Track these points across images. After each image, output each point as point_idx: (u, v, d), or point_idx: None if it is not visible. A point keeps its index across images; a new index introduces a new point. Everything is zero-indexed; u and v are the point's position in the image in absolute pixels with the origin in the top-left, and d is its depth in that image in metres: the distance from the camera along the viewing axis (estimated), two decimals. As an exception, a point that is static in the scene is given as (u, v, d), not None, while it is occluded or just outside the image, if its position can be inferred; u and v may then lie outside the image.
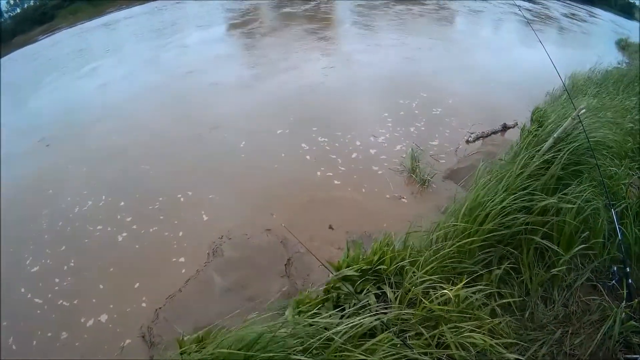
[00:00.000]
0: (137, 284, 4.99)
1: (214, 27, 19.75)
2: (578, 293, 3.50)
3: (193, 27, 20.14)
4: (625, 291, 3.23)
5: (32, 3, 34.85)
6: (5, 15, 34.14)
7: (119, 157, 7.83)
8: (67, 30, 26.01)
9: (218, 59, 14.13)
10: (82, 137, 9.15)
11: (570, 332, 3.23)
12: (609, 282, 3.45)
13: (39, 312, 4.82)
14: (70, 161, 8.01)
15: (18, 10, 34.69)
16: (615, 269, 3.42)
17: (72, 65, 16.11)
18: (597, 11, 36.39)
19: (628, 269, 3.29)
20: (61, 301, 4.91)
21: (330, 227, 5.23)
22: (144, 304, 4.72)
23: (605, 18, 31.81)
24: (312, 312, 3.25)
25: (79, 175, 7.41)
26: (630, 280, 3.24)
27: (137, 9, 28.85)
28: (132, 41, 18.99)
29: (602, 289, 3.47)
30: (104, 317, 4.64)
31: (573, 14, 29.55)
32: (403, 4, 23.94)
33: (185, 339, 3.24)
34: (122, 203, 6.47)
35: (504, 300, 3.35)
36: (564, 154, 4.35)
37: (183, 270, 5.07)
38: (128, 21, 25.54)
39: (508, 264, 3.60)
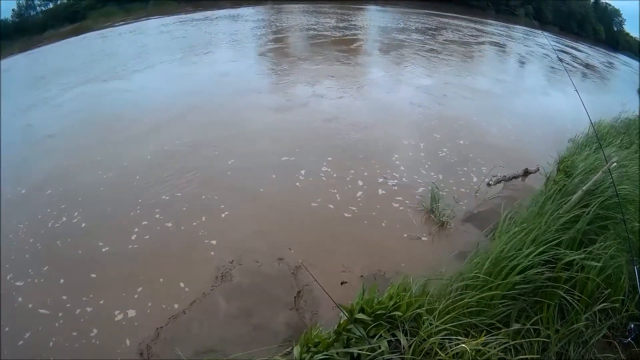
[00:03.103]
0: (140, 299, 4.89)
1: (244, 47, 19.81)
2: (593, 349, 3.43)
3: (223, 45, 20.22)
4: None
5: (65, 0, 35.54)
6: (38, 8, 34.77)
7: (132, 166, 7.90)
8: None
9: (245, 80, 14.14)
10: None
11: (584, 390, 3.14)
12: (625, 340, 3.38)
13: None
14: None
15: (51, 5, 35.35)
16: (632, 326, 3.36)
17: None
18: (626, 59, 37.04)
19: None
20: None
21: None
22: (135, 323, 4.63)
23: (634, 66, 32.28)
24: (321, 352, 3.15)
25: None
26: None
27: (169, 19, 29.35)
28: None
29: (617, 346, 3.41)
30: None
31: (610, 63, 29.97)
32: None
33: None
34: (137, 214, 6.44)
35: (521, 357, 3.21)
36: (592, 208, 4.26)
37: (187, 290, 4.96)
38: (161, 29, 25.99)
39: (527, 319, 3.50)
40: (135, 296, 4.90)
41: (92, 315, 4.69)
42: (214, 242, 5.78)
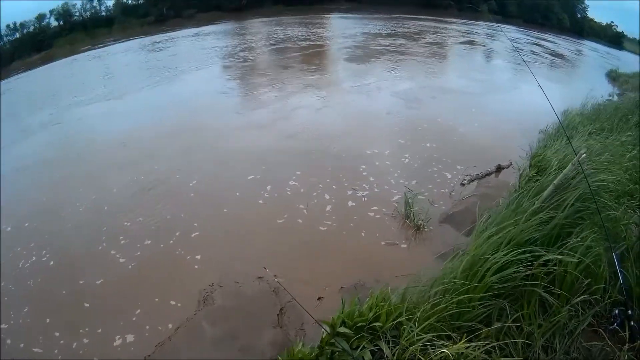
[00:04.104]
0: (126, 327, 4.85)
1: (214, 66, 19.77)
2: (579, 339, 3.41)
3: (186, 66, 20.05)
4: (627, 333, 3.19)
5: (31, 29, 35.31)
6: (5, 39, 34.49)
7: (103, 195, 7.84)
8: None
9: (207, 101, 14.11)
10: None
11: (572, 380, 3.12)
12: (611, 326, 3.35)
13: None
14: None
15: (17, 35, 35.07)
16: (617, 312, 3.34)
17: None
18: (592, 44, 37.79)
19: (630, 311, 3.25)
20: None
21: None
22: (132, 348, 4.59)
23: (601, 51, 32.98)
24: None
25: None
26: (632, 322, 3.20)
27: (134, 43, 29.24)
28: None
29: (603, 334, 3.39)
30: None
31: (579, 50, 30.55)
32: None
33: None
34: (103, 247, 6.35)
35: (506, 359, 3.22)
36: (567, 203, 4.28)
37: (173, 318, 4.90)
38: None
39: (509, 317, 3.49)
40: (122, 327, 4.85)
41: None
42: (197, 258, 5.85)
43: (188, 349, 4.47)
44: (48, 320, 5.08)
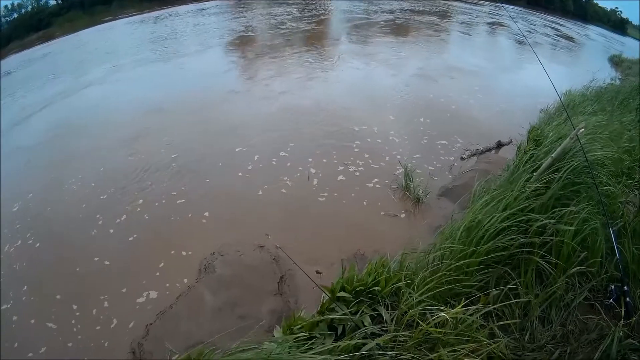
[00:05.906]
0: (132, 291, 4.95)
1: (217, 44, 19.54)
2: (575, 312, 3.44)
3: (186, 41, 19.98)
4: (623, 309, 3.23)
5: (29, 9, 34.95)
6: (3, 19, 34.19)
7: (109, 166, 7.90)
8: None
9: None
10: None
11: (568, 351, 3.16)
12: (607, 301, 3.41)
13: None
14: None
15: (15, 15, 34.74)
16: (613, 287, 3.39)
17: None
18: (599, 29, 37.67)
19: (626, 288, 3.30)
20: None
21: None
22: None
23: (608, 36, 32.94)
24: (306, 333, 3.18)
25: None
26: (628, 299, 3.24)
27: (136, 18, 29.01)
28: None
29: (599, 308, 3.44)
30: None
31: (587, 35, 30.43)
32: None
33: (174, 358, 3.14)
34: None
35: (503, 322, 3.25)
36: (563, 173, 4.29)
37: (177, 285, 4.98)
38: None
39: (506, 285, 3.52)
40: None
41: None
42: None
43: (189, 317, 4.53)
44: (58, 296, 5.09)
